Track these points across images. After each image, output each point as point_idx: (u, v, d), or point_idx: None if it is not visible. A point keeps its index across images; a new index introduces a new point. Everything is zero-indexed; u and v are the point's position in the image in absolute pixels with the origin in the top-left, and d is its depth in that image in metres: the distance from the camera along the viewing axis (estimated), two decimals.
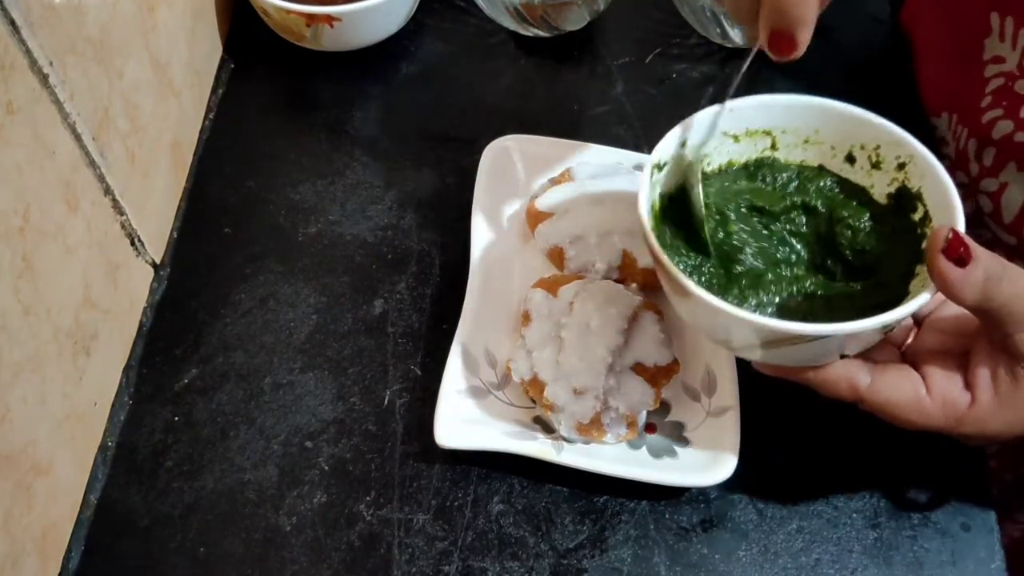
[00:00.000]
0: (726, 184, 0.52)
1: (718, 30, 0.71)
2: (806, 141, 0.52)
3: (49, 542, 0.51)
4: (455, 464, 0.55)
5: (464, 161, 0.66)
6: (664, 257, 0.46)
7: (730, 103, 0.51)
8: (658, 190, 0.50)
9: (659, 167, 0.50)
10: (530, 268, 0.62)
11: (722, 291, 0.48)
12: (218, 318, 0.61)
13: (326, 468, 0.55)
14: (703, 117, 0.50)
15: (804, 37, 0.43)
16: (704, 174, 0.51)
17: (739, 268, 0.49)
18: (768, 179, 0.52)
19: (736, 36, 0.71)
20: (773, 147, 0.53)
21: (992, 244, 0.63)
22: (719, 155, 0.53)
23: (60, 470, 0.51)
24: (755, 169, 0.53)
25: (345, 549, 0.53)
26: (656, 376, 0.55)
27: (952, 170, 0.65)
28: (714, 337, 0.49)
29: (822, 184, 0.52)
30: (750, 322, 0.44)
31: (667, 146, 0.50)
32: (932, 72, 0.69)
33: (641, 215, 0.48)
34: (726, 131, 0.52)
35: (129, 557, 0.53)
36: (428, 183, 0.67)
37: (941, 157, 0.66)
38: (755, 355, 0.48)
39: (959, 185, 0.64)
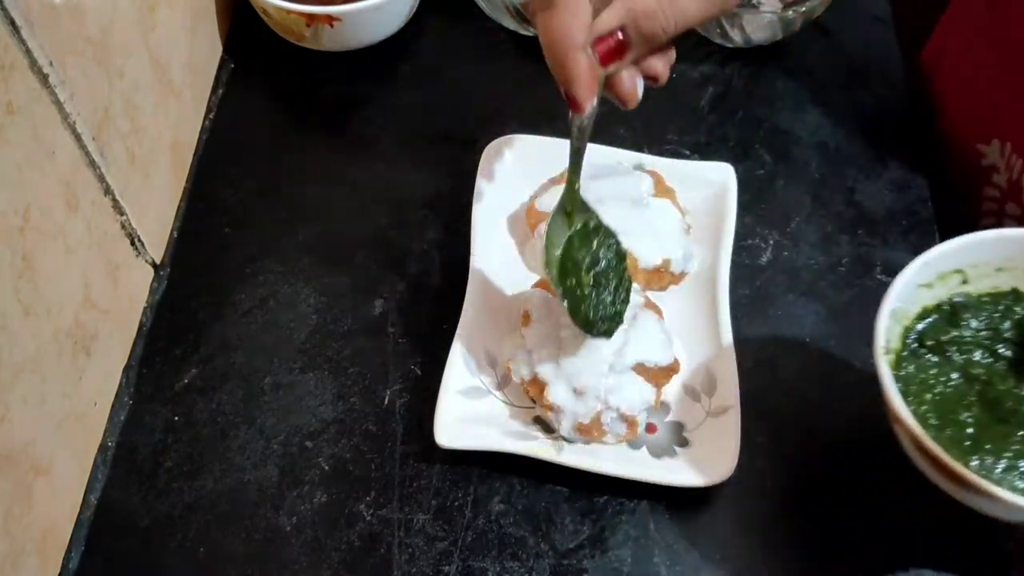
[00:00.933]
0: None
1: (718, 31, 0.71)
2: (998, 269, 0.52)
3: (49, 542, 0.51)
4: (455, 464, 0.55)
5: (464, 161, 0.66)
6: (961, 468, 0.44)
7: (924, 258, 0.50)
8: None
9: (887, 351, 0.49)
10: (530, 268, 0.62)
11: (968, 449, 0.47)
12: (218, 318, 0.61)
13: (326, 468, 0.55)
14: (900, 286, 0.49)
15: (580, 95, 0.45)
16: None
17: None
18: (972, 322, 0.52)
19: (736, 36, 0.71)
20: (964, 282, 0.52)
21: None
22: (913, 305, 0.51)
23: (60, 470, 0.51)
24: (951, 313, 0.52)
25: (345, 549, 0.53)
26: (656, 376, 0.55)
27: (1002, 200, 0.64)
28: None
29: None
30: None
31: (884, 329, 0.48)
32: (977, 100, 0.68)
33: (901, 415, 0.46)
34: (920, 283, 0.51)
35: (129, 557, 0.53)
36: (428, 183, 0.67)
37: (989, 186, 0.65)
38: None
39: (1010, 217, 0.63)
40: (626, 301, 0.53)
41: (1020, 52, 0.63)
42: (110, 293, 0.56)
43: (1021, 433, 0.48)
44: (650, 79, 0.46)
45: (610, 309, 0.52)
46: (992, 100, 0.66)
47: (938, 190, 0.68)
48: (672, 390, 0.56)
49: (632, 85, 0.46)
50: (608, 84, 0.46)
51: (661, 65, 0.46)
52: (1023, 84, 0.62)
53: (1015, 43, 0.63)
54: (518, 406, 0.56)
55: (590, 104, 0.45)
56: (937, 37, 0.73)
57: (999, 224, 0.65)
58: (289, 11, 0.67)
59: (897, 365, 0.50)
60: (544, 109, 0.71)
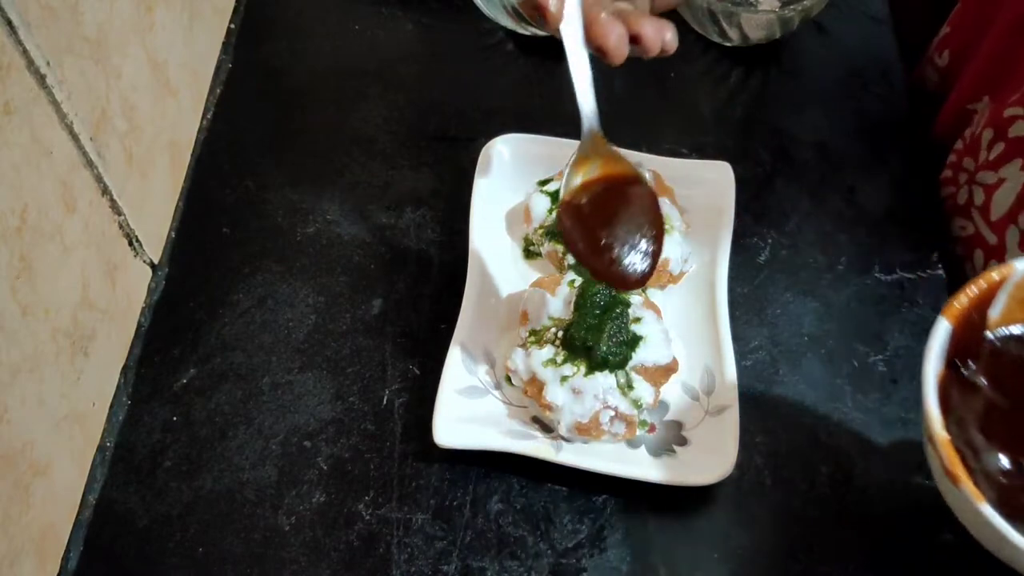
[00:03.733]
0: None
1: (716, 29, 0.71)
2: None
3: (47, 542, 0.51)
4: (454, 464, 0.55)
5: (462, 160, 0.66)
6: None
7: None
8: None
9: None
10: (529, 267, 0.62)
11: None
12: (216, 318, 0.61)
13: (325, 468, 0.55)
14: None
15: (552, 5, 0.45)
16: None
17: None
18: None
19: (734, 35, 0.71)
20: None
21: (973, 240, 0.63)
22: None
23: (58, 470, 0.51)
24: None
25: (344, 549, 0.53)
26: (655, 375, 0.55)
27: (962, 154, 0.64)
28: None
29: None
30: None
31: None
32: (979, 64, 0.68)
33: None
34: None
35: (127, 557, 0.53)
36: (426, 182, 0.67)
37: (960, 138, 0.65)
38: None
39: (963, 170, 0.64)
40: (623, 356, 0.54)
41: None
42: (108, 293, 0.56)
43: None
44: (636, 41, 0.45)
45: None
46: (987, 62, 0.66)
47: (937, 190, 0.68)
48: (671, 389, 0.56)
49: (617, 39, 0.44)
50: (591, 36, 0.45)
51: (650, 30, 0.45)
52: (1012, 50, 0.62)
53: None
54: (517, 405, 0.56)
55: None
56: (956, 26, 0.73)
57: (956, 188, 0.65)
58: None
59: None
60: (542, 108, 0.71)
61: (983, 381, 0.47)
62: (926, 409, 0.44)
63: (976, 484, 0.42)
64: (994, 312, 0.48)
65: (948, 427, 0.44)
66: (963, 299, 0.47)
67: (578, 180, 0.49)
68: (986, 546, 0.44)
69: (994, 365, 0.48)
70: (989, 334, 0.48)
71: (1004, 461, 0.45)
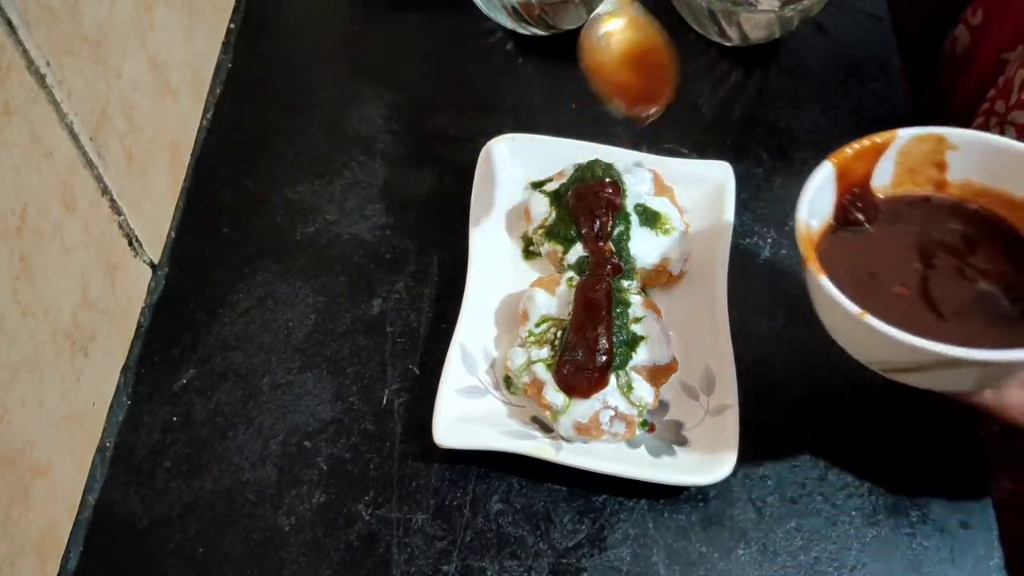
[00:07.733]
0: None
1: (715, 28, 0.71)
2: None
3: (47, 543, 0.51)
4: (454, 463, 0.55)
5: (462, 160, 0.66)
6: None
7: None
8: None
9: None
10: (528, 267, 0.62)
11: None
12: (216, 318, 0.61)
13: (325, 468, 0.55)
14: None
15: None
16: None
17: None
18: None
19: (734, 35, 0.71)
20: None
21: None
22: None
23: (58, 471, 0.51)
24: None
25: (344, 549, 0.53)
26: (655, 375, 0.55)
27: (994, 99, 0.65)
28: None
29: None
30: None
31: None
32: (1015, 11, 0.67)
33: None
34: None
35: (127, 558, 0.53)
36: (426, 182, 0.67)
37: (993, 87, 0.65)
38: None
39: (995, 114, 0.64)
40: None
41: None
42: (108, 293, 0.56)
43: None
44: None
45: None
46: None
47: None
48: (671, 389, 0.56)
49: None
50: None
51: None
52: None
53: None
54: (516, 405, 0.56)
55: None
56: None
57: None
58: None
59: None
60: (542, 108, 0.71)
61: (873, 230, 0.52)
62: (797, 212, 0.50)
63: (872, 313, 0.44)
64: (884, 180, 0.53)
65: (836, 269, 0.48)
66: (847, 150, 0.52)
67: (602, 30, 0.56)
68: (853, 351, 0.48)
69: (886, 220, 0.53)
70: (880, 195, 0.53)
71: (897, 289, 0.49)
